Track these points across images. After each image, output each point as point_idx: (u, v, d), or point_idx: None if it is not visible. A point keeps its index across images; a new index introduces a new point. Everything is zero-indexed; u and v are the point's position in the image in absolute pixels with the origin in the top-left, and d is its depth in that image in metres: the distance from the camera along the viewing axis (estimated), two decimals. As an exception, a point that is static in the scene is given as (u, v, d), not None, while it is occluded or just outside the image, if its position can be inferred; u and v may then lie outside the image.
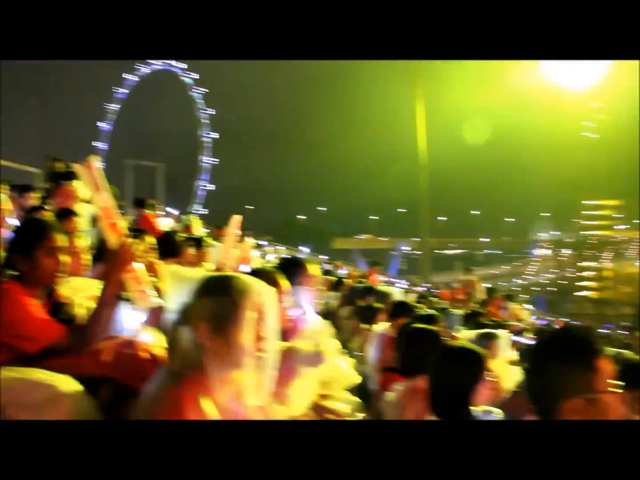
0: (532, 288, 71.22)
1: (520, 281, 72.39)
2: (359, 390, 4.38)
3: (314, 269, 3.38)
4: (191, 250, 5.97)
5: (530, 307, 33.25)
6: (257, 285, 1.89)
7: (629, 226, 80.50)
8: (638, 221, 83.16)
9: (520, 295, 57.49)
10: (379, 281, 13.69)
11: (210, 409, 1.78)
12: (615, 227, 77.11)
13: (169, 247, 5.10)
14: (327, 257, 26.90)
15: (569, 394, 1.69)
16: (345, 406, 2.92)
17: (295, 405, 2.30)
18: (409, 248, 65.90)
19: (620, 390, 1.75)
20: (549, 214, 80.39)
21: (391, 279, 23.28)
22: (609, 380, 1.73)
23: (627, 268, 77.14)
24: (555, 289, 71.61)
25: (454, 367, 2.51)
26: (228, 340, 1.81)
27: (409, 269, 58.78)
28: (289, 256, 5.15)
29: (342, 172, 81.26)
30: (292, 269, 3.22)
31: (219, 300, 1.83)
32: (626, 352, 4.32)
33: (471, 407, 2.47)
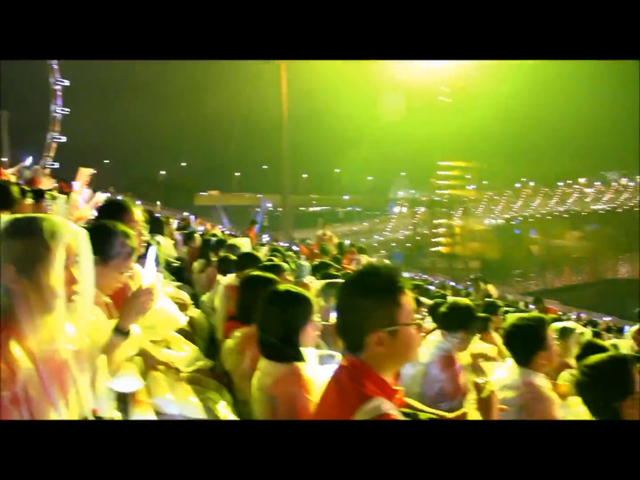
0: (390, 244, 74.46)
1: (379, 237, 75.32)
2: (209, 341, 4.41)
3: (137, 213, 3.29)
4: (29, 202, 5.64)
5: (388, 261, 34.78)
6: (68, 226, 1.81)
7: (476, 186, 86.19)
8: (486, 182, 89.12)
9: (380, 251, 60.20)
10: (256, 238, 13.79)
11: (21, 355, 1.71)
12: (466, 186, 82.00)
13: (1, 198, 4.79)
14: (187, 213, 26.43)
15: (373, 327, 1.80)
16: (180, 355, 2.92)
17: (118, 352, 2.26)
18: (272, 205, 66.13)
19: (420, 323, 1.90)
20: (405, 174, 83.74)
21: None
22: (410, 314, 1.86)
23: (475, 225, 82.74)
24: (411, 244, 75.35)
25: (280, 310, 2.58)
26: (37, 283, 1.73)
27: (271, 225, 59.10)
28: (113, 199, 4.96)
29: (204, 127, 79.33)
30: (115, 212, 3.12)
31: (25, 241, 1.74)
32: (461, 299, 4.65)
33: (300, 349, 2.56)
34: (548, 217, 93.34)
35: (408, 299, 1.86)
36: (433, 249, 73.46)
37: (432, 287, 16.45)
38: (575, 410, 2.54)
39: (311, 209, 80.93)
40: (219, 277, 5.45)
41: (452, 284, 27.11)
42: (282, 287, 2.78)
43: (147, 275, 2.39)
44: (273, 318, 2.58)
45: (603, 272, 69.78)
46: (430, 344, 3.85)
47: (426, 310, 5.57)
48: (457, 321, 3.82)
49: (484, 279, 17.23)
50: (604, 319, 24.60)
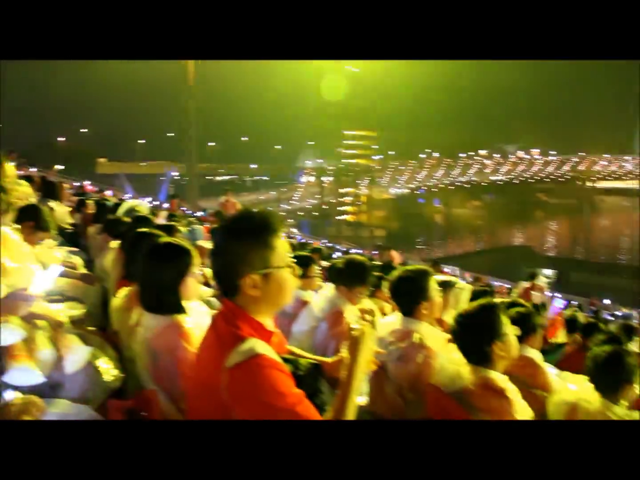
0: (297, 213, 74.81)
1: (286, 206, 75.39)
2: (102, 305, 4.30)
3: (9, 169, 3.10)
4: None
5: (296, 230, 34.99)
6: None
7: (382, 156, 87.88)
8: (392, 152, 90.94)
9: (287, 220, 60.32)
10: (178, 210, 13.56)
11: None
12: (372, 156, 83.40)
13: None
14: (88, 182, 25.41)
15: (246, 270, 1.81)
16: (58, 307, 2.82)
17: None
18: (178, 173, 64.69)
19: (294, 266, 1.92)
20: (313, 143, 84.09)
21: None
22: (284, 257, 1.88)
23: (381, 195, 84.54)
24: (318, 213, 76.00)
25: (158, 262, 2.53)
26: None
27: (178, 194, 57.72)
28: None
29: (107, 92, 76.21)
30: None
31: None
32: (357, 255, 4.71)
33: (181, 301, 2.53)
34: (450, 187, 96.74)
35: (281, 242, 1.87)
36: (339, 218, 74.44)
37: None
38: (452, 356, 2.68)
39: (218, 177, 79.80)
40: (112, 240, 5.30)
41: (358, 251, 27.58)
42: (161, 240, 2.73)
43: (39, 282, 2.24)
44: (152, 270, 2.53)
45: (499, 239, 73.05)
46: (323, 299, 3.92)
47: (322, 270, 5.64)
48: (352, 276, 3.89)
49: (387, 246, 17.64)
50: (497, 283, 25.80)
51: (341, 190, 76.16)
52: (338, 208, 75.32)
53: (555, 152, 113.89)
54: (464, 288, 4.32)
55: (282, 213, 68.45)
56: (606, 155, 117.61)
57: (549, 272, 43.79)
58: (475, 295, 4.25)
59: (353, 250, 25.19)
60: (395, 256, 16.20)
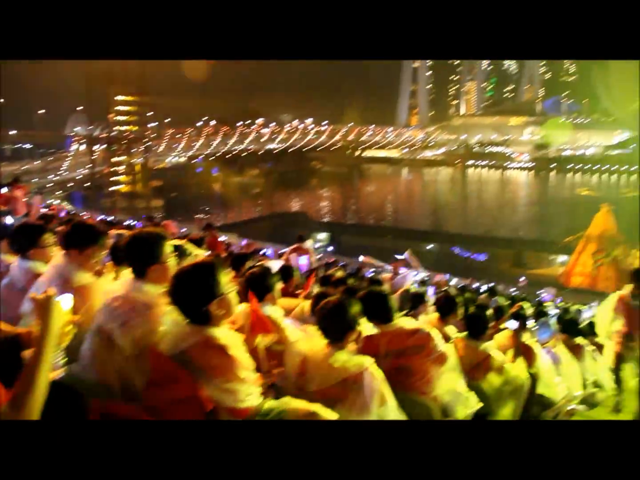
0: (67, 184, 69.89)
1: (54, 177, 69.93)
2: None
3: None
4: None
5: (66, 203, 32.67)
6: None
7: (157, 123, 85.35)
8: (168, 120, 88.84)
9: (56, 192, 56.15)
10: None
11: None
12: (147, 123, 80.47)
13: None
14: None
15: None
16: None
17: None
18: None
19: None
20: (82, 108, 79.02)
21: None
22: None
23: (157, 163, 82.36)
24: (90, 184, 71.77)
25: None
26: None
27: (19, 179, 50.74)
28: None
29: None
30: None
31: None
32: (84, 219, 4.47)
33: None
34: (228, 156, 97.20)
35: None
36: (113, 188, 71.08)
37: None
38: (174, 318, 2.61)
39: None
40: None
41: (134, 222, 26.58)
42: None
43: None
44: None
45: (277, 206, 75.03)
46: (51, 269, 3.65)
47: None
48: (80, 238, 3.67)
49: (157, 217, 17.26)
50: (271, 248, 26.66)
51: (114, 160, 72.53)
52: (111, 178, 71.75)
53: (327, 122, 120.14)
54: (199, 255, 4.32)
55: (50, 185, 63.68)
56: (371, 127, 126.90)
57: (322, 236, 46.40)
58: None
59: (129, 222, 24.18)
60: (171, 226, 15.88)
